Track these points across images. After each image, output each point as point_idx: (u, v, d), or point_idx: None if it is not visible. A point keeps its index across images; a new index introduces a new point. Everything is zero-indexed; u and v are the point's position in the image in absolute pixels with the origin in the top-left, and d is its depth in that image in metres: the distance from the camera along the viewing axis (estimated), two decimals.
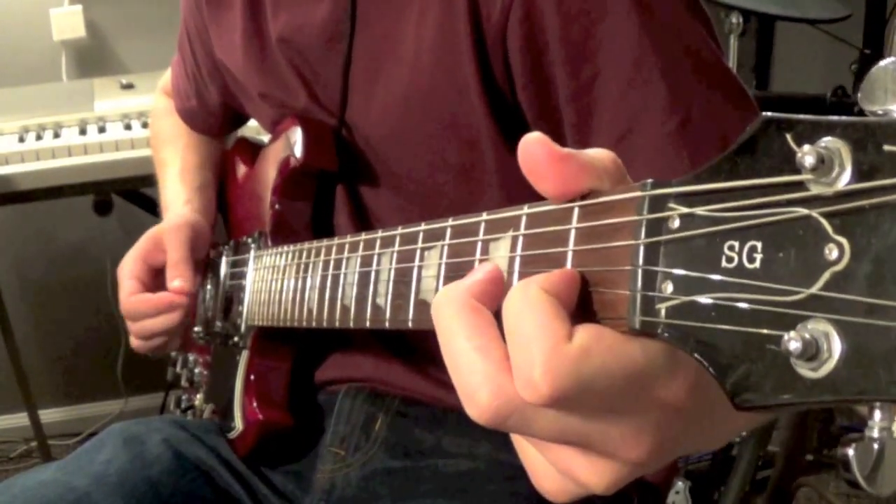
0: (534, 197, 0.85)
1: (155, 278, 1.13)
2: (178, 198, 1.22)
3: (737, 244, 0.34)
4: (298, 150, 0.97)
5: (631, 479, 0.43)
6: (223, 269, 1.14)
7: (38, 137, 1.91)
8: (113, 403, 2.75)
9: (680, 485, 1.84)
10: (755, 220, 0.33)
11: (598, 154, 0.43)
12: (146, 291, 1.12)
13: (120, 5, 2.46)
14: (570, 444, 0.41)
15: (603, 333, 0.39)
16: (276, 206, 1.03)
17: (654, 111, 0.75)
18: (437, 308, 0.43)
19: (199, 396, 1.22)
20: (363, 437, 1.01)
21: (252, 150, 1.23)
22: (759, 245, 0.33)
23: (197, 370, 1.24)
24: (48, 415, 2.63)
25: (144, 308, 1.10)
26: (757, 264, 0.33)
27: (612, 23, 0.75)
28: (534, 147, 0.42)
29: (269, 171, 1.07)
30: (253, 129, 1.33)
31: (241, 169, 1.23)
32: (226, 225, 1.27)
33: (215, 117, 1.25)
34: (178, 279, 1.09)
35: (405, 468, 0.97)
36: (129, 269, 1.12)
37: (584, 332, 0.39)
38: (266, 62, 1.02)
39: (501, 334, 0.41)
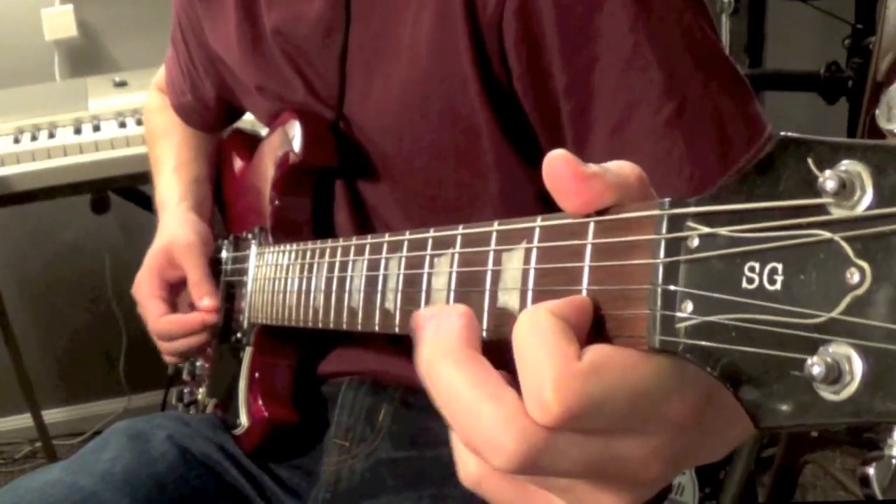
0: (531, 190, 0.85)
1: (172, 292, 1.14)
2: (173, 196, 1.21)
3: (757, 265, 0.34)
4: (297, 146, 0.96)
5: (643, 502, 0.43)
6: (224, 265, 1.14)
7: (34, 138, 1.90)
8: (116, 402, 2.75)
9: None
10: (776, 242, 0.33)
11: (623, 171, 0.43)
12: (171, 309, 1.12)
13: (111, 3, 2.44)
14: (595, 475, 0.41)
15: (612, 351, 0.39)
16: (276, 203, 1.02)
17: (651, 98, 0.75)
18: (431, 366, 0.41)
19: (201, 391, 1.22)
20: (367, 428, 1.01)
21: (248, 143, 1.22)
22: (779, 267, 0.33)
23: (198, 364, 1.24)
24: (51, 415, 2.63)
25: (177, 330, 1.11)
26: (778, 286, 0.33)
27: (608, 11, 0.75)
28: (558, 164, 0.41)
29: (268, 166, 1.06)
30: (248, 122, 1.32)
31: (238, 162, 1.22)
32: (223, 218, 1.27)
33: (211, 112, 1.24)
34: (206, 297, 1.09)
35: (410, 458, 0.97)
36: (148, 288, 1.13)
37: (594, 351, 0.39)
38: (261, 55, 1.01)
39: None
